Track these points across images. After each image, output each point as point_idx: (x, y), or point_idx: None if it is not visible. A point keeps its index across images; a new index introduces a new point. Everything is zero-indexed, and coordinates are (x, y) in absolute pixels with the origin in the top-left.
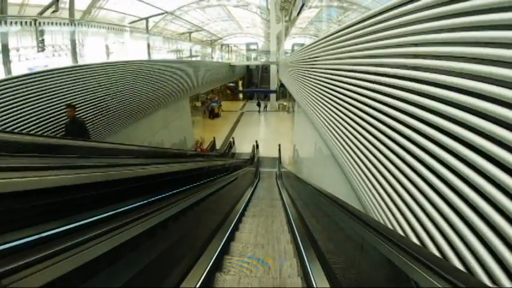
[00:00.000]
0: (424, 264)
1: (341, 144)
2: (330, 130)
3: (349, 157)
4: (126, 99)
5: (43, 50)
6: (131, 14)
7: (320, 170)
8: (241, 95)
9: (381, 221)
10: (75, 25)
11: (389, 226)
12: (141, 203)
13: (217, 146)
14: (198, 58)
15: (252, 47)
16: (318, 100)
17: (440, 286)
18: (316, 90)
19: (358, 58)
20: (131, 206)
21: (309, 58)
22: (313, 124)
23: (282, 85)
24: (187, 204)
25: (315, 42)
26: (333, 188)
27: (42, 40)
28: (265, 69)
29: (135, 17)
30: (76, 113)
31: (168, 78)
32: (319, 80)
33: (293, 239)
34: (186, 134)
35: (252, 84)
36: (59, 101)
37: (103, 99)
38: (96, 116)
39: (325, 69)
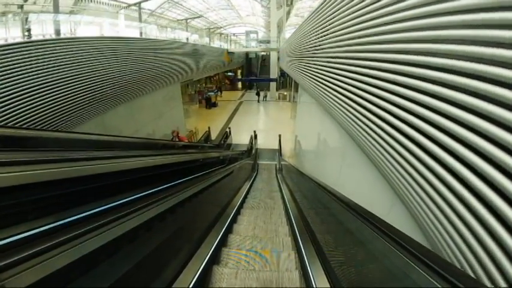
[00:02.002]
0: (423, 263)
1: (372, 135)
2: (356, 117)
3: (388, 153)
4: (106, 80)
5: (30, 38)
6: (125, 2)
7: (334, 166)
8: (239, 85)
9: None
10: None
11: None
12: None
13: (213, 137)
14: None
15: (252, 35)
16: (333, 80)
17: (437, 285)
18: (326, 70)
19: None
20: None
21: (321, 25)
22: (328, 111)
23: (282, 75)
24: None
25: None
26: (359, 189)
27: (29, 29)
28: (263, 60)
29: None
30: None
31: (157, 59)
32: (335, 55)
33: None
34: (179, 123)
35: (252, 74)
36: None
37: (77, 77)
38: (66, 98)
39: (345, 37)
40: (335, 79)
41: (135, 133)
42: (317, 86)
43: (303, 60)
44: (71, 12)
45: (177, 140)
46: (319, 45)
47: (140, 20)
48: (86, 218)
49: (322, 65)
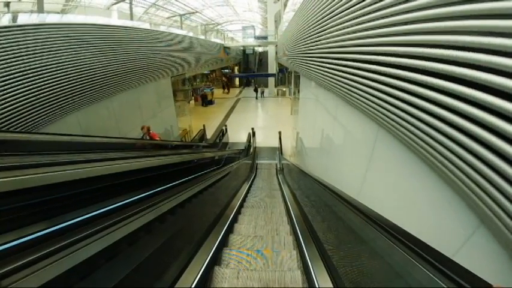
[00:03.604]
0: (426, 261)
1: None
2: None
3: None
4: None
5: None
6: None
7: (356, 169)
8: (237, 82)
9: None
10: None
11: None
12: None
13: (209, 136)
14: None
15: (249, 31)
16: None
17: (439, 282)
18: (348, 50)
19: None
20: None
21: None
22: (349, 101)
23: (280, 71)
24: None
25: None
26: (401, 202)
27: None
28: (260, 60)
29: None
30: None
31: (143, 49)
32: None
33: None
34: (172, 122)
35: (249, 71)
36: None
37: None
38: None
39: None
40: (364, 59)
41: (119, 132)
42: (332, 72)
43: (309, 44)
44: (63, 11)
45: (147, 138)
46: (334, 13)
47: (131, 18)
48: (86, 222)
49: (339, 46)
